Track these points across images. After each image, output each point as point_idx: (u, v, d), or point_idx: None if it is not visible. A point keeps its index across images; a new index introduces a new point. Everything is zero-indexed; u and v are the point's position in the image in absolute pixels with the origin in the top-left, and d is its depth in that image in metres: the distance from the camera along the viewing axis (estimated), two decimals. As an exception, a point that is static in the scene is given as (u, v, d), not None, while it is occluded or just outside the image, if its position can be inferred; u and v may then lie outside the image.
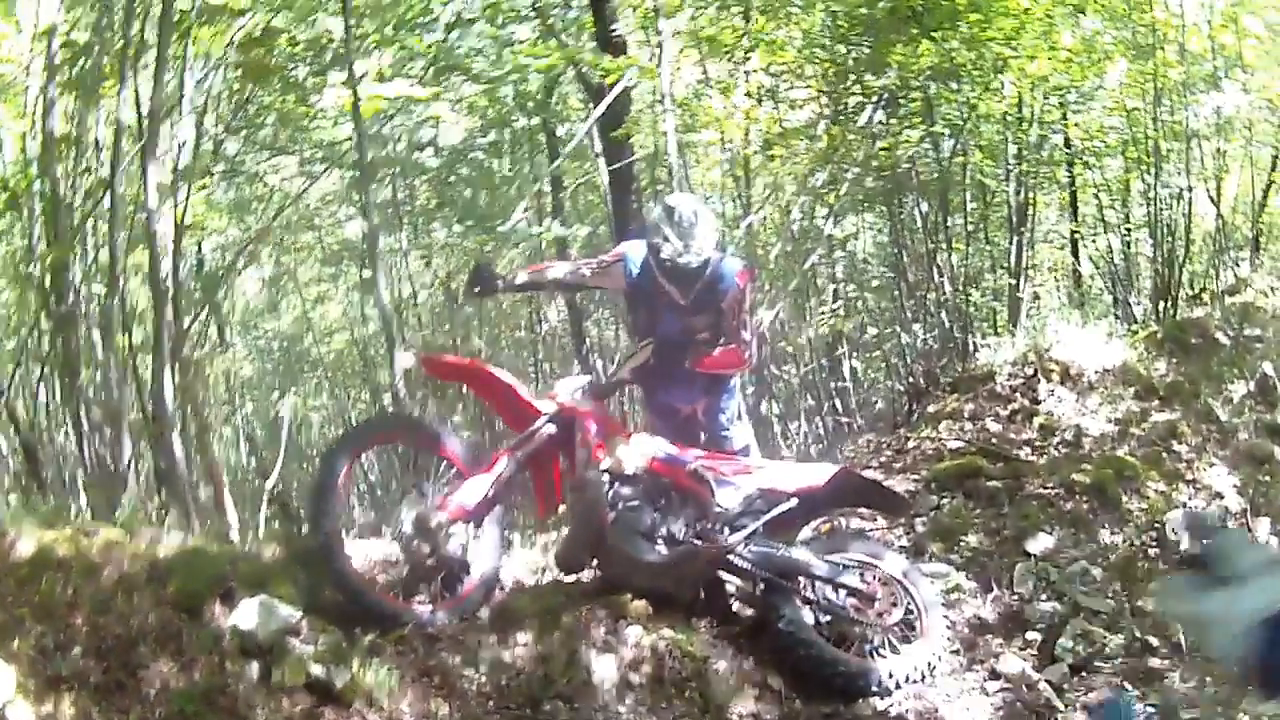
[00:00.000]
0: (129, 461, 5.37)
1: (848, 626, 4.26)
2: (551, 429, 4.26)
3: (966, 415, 6.92)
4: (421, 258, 10.35)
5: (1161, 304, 8.12)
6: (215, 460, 6.23)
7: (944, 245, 8.50)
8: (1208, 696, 4.26)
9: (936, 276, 8.45)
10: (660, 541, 4.16)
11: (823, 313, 9.45)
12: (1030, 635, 4.94)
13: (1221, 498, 5.94)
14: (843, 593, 4.29)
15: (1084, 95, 8.48)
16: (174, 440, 5.24)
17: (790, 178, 8.87)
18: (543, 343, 10.59)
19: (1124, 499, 5.85)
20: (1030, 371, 6.98)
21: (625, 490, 4.18)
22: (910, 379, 8.17)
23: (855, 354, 9.76)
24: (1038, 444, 6.45)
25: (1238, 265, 8.81)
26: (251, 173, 9.16)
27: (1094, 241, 9.57)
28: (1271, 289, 8.27)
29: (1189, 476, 6.07)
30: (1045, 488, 5.91)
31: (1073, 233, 9.72)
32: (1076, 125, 8.73)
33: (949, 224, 8.67)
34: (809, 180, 8.65)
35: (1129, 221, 9.18)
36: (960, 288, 8.43)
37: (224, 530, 5.22)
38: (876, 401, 9.23)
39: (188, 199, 6.12)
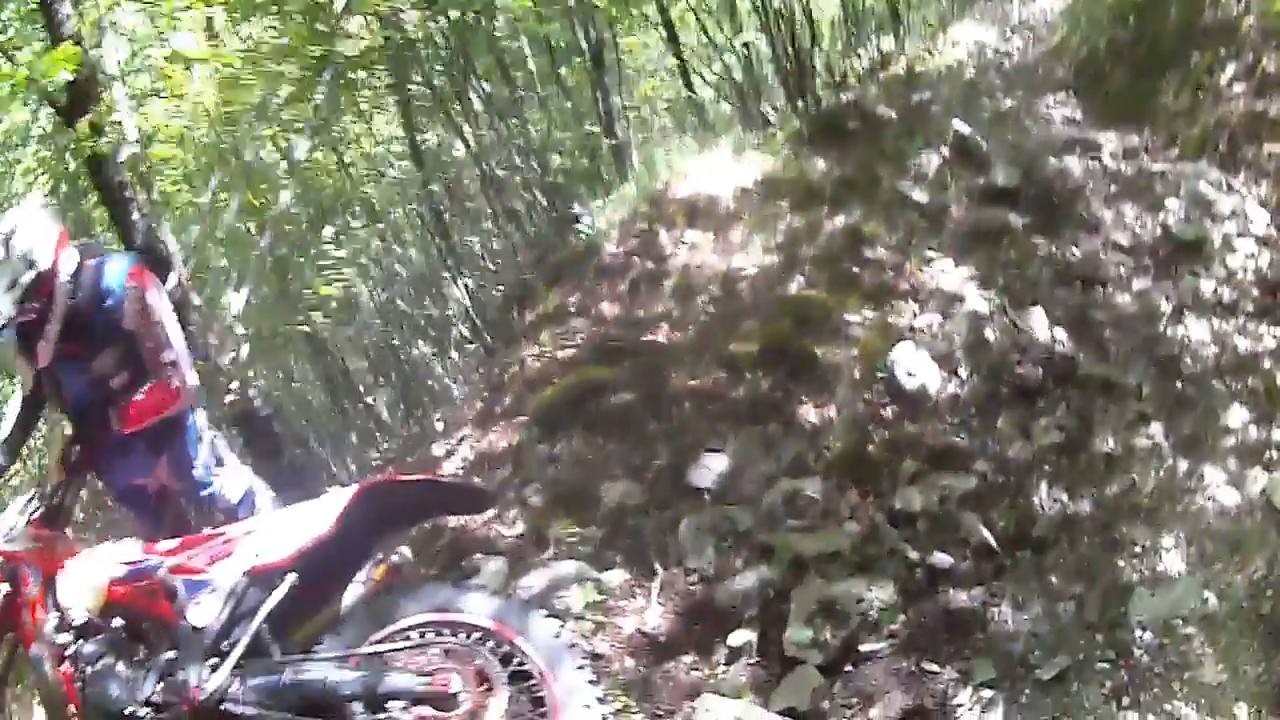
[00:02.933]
0: None
1: None
2: (5, 587, 3.23)
3: (573, 309, 4.55)
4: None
5: (798, 100, 6.04)
6: None
7: (511, 116, 6.19)
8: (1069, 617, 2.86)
9: (511, 156, 6.13)
10: (146, 710, 2.99)
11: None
12: (737, 637, 3.08)
13: (962, 300, 3.74)
14: (401, 705, 2.77)
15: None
16: None
17: (255, 100, 6.47)
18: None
19: (820, 352, 3.89)
20: (646, 225, 4.68)
21: (88, 648, 3.06)
22: (518, 280, 5.93)
23: (463, 272, 7.71)
24: (676, 317, 4.19)
25: (878, 41, 6.93)
26: None
27: (709, 67, 7.70)
28: (930, 51, 6.41)
29: (903, 287, 3.91)
30: (698, 378, 4.00)
31: (679, 64, 8.27)
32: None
33: (512, 91, 6.52)
34: (277, 95, 6.25)
35: (741, 34, 7.30)
36: (539, 154, 6.15)
37: None
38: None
39: None
